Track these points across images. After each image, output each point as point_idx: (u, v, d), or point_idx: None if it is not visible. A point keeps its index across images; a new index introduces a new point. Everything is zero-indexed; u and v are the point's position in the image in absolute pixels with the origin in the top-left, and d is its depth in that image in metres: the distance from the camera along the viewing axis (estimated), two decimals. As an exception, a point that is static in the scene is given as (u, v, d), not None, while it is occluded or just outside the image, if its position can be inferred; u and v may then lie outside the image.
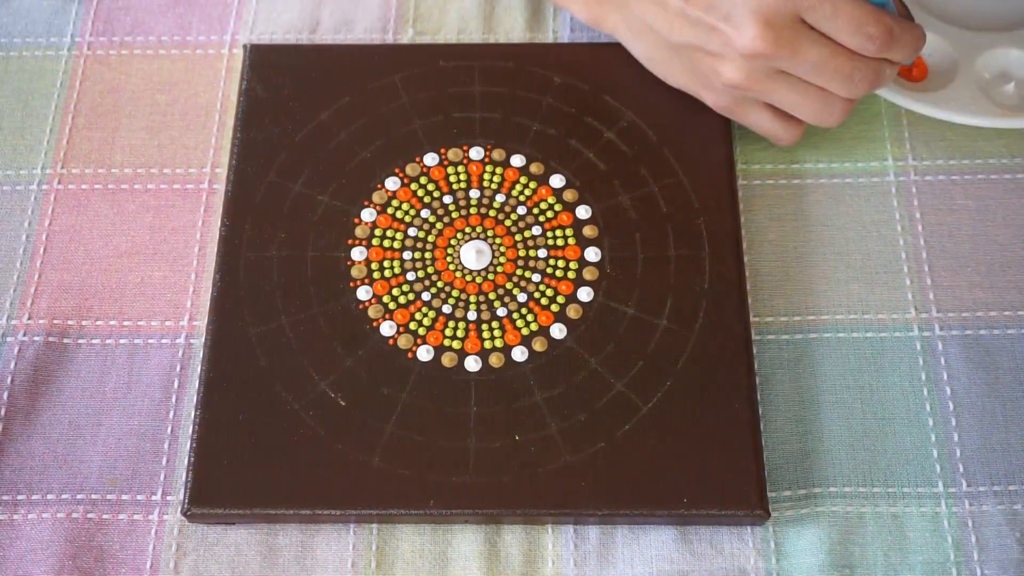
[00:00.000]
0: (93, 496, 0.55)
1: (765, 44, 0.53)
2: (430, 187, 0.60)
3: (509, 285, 0.57)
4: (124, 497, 0.55)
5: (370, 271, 0.58)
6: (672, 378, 0.55)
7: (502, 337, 0.56)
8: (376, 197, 0.60)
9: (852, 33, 0.53)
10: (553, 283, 0.58)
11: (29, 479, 0.55)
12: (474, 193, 0.60)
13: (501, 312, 0.57)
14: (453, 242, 0.59)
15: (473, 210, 0.60)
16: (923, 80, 0.64)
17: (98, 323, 0.59)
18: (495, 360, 0.56)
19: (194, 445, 0.54)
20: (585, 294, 0.57)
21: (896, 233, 0.61)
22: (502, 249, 0.58)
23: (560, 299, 0.57)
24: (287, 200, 0.60)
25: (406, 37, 0.67)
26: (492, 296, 0.57)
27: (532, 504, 0.52)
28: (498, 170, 0.61)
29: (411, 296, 0.57)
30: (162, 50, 0.67)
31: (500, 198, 0.60)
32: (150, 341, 0.58)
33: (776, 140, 0.60)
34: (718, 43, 0.55)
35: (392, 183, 0.60)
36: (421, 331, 0.56)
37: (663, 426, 0.54)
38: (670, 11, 0.56)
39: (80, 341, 0.58)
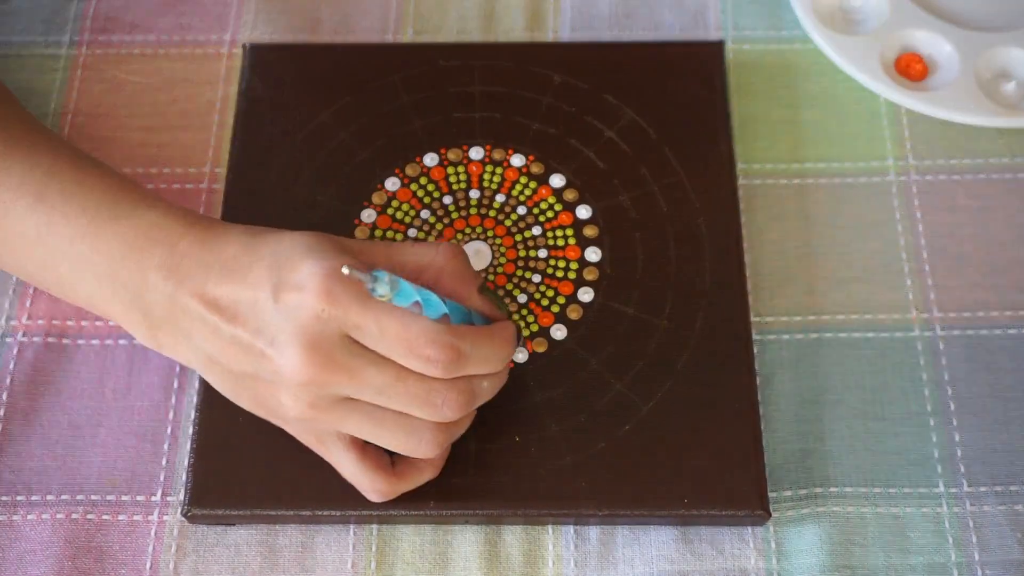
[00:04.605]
0: (93, 497, 0.55)
1: (313, 370, 0.46)
2: (430, 187, 0.60)
3: (509, 286, 0.57)
4: (124, 498, 0.55)
5: (370, 271, 0.58)
6: (672, 378, 0.55)
7: (502, 337, 0.56)
8: (376, 198, 0.60)
9: (407, 357, 0.46)
10: (553, 284, 0.57)
11: (28, 480, 0.55)
12: (474, 193, 0.60)
13: (501, 312, 0.57)
14: (453, 242, 0.59)
15: (473, 210, 0.60)
16: (923, 80, 0.64)
17: (98, 323, 0.59)
18: (495, 360, 0.56)
19: (194, 445, 0.54)
20: (585, 294, 0.57)
21: (896, 233, 0.61)
22: (502, 250, 0.58)
23: (560, 300, 0.57)
24: (287, 200, 0.60)
25: (406, 37, 0.67)
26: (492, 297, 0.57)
27: (532, 504, 0.52)
28: (498, 170, 0.61)
29: (411, 296, 0.57)
30: (162, 50, 0.67)
31: (500, 198, 0.60)
32: (150, 341, 0.58)
33: (366, 493, 0.51)
34: (270, 371, 0.47)
35: (392, 183, 0.60)
36: (421, 331, 0.56)
37: (663, 426, 0.54)
38: (223, 337, 0.48)
39: (80, 341, 0.58)
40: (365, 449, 0.50)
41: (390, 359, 0.46)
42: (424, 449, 0.49)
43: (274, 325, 0.47)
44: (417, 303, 0.46)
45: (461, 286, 0.50)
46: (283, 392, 0.48)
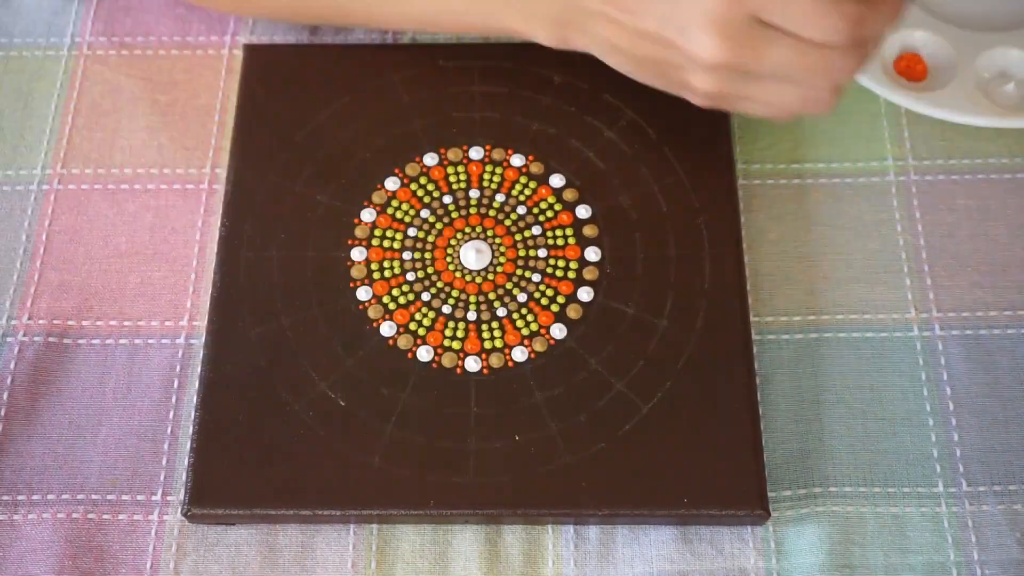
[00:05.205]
0: (93, 496, 0.55)
1: (724, 53, 0.49)
2: (430, 187, 0.60)
3: (509, 285, 0.57)
4: (124, 497, 0.55)
5: (370, 271, 0.58)
6: (672, 378, 0.55)
7: (502, 337, 0.56)
8: (376, 197, 0.60)
9: (813, 29, 0.48)
10: (553, 283, 0.57)
11: (29, 479, 0.55)
12: (474, 193, 0.60)
13: (501, 312, 0.57)
14: (453, 242, 0.59)
15: (473, 210, 0.60)
16: (923, 80, 0.64)
17: (98, 323, 0.59)
18: (495, 360, 0.56)
19: (194, 445, 0.54)
20: (585, 294, 0.57)
21: (896, 233, 0.61)
22: (502, 249, 0.58)
23: (560, 299, 0.57)
24: (287, 200, 0.60)
25: (406, 37, 0.67)
26: (492, 296, 0.57)
27: (532, 504, 0.52)
28: (498, 170, 0.61)
29: (411, 296, 0.57)
30: (162, 50, 0.67)
31: (500, 198, 0.60)
32: (150, 341, 0.58)
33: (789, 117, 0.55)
34: (679, 56, 0.52)
35: (392, 183, 0.60)
36: (421, 331, 0.56)
37: (663, 426, 0.54)
38: (626, 29, 0.53)
39: (80, 341, 0.58)
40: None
41: (794, 37, 0.49)
42: (821, 108, 0.52)
43: (680, 14, 0.50)
44: None
45: None
46: (694, 74, 0.52)
